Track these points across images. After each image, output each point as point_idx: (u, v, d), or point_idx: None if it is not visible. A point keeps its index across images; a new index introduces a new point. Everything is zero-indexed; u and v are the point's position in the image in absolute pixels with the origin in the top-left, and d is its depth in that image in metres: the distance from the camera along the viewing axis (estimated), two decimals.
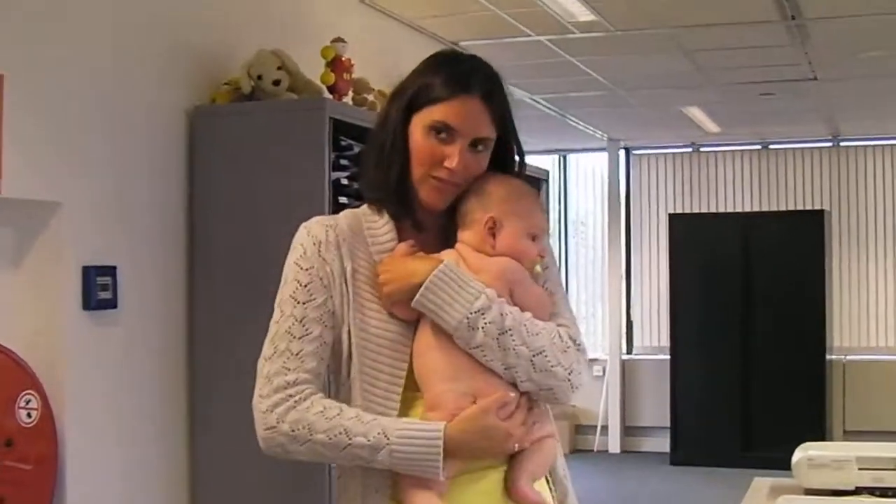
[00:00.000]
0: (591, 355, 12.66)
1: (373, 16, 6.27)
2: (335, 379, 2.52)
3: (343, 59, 4.89)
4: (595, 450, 12.50)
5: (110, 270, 4.21)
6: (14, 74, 3.78)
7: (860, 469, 3.56)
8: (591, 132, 11.93)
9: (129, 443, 4.36)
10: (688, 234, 11.72)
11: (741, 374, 11.38)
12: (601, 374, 12.58)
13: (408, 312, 2.43)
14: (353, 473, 2.46)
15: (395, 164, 2.50)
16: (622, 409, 12.53)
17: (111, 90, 4.29)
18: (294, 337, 2.45)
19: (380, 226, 2.55)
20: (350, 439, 2.35)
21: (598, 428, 12.58)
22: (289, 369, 2.43)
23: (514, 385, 2.41)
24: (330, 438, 2.37)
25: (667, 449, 11.73)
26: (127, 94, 4.37)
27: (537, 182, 6.67)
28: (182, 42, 4.68)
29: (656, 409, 12.19)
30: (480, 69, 2.51)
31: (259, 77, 4.66)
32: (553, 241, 6.58)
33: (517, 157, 2.60)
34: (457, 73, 2.48)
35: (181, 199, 4.65)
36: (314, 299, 2.46)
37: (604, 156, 12.92)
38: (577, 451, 12.38)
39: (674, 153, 13.02)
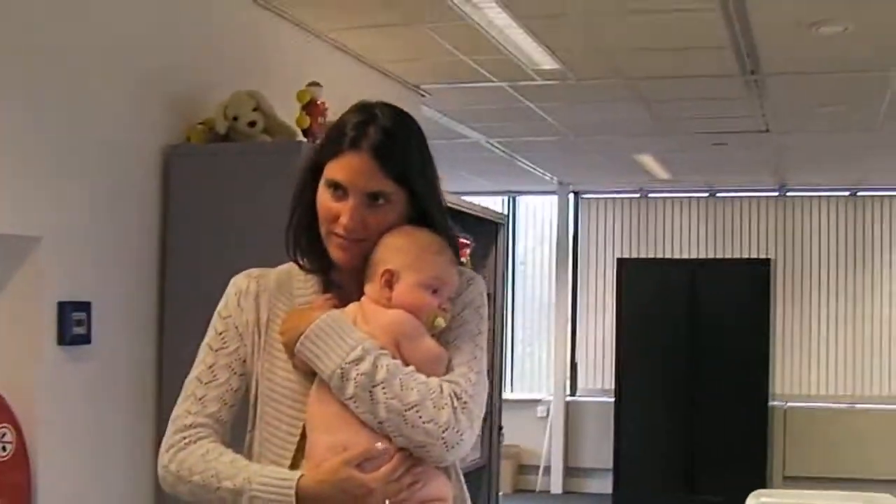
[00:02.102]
0: (535, 396, 12.73)
1: (344, 60, 6.30)
2: (249, 427, 2.54)
3: (318, 102, 4.92)
4: (537, 490, 12.53)
5: (85, 306, 4.23)
6: None
7: None
8: (541, 175, 11.99)
9: (100, 475, 4.36)
10: (635, 278, 11.84)
11: (684, 418, 11.48)
12: (545, 414, 12.65)
13: (302, 362, 2.41)
14: None
15: (303, 222, 2.52)
16: (565, 449, 12.57)
17: (87, 127, 4.30)
18: (201, 382, 2.51)
19: (306, 280, 2.56)
20: (219, 483, 2.36)
21: (541, 468, 12.60)
22: (190, 412, 2.48)
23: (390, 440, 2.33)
24: (203, 481, 2.38)
25: (609, 490, 11.78)
26: (103, 132, 4.38)
27: (493, 225, 6.72)
28: (158, 81, 4.69)
29: (599, 450, 12.23)
30: (375, 121, 2.43)
31: (235, 118, 4.67)
32: (500, 283, 6.63)
33: (436, 209, 2.51)
34: (348, 128, 2.43)
35: (155, 236, 4.67)
36: (226, 346, 2.53)
37: (553, 199, 13.02)
38: (519, 491, 12.41)
39: (623, 198, 13.11)
